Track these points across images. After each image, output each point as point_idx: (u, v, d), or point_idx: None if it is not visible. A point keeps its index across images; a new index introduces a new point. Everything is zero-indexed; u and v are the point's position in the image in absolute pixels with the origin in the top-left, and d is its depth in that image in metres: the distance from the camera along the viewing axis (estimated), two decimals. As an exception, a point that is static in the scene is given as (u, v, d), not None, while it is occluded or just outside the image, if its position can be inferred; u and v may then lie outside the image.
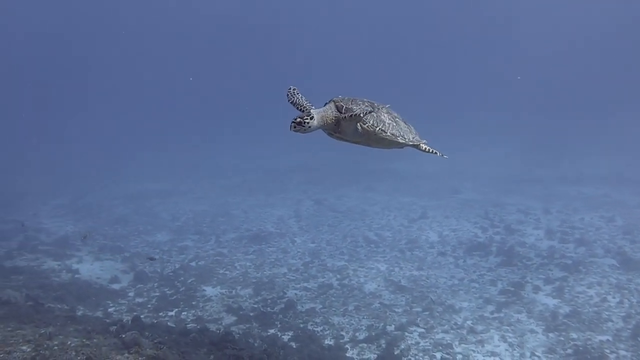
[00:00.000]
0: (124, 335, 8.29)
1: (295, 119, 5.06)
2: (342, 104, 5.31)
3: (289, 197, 28.79)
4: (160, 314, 13.79)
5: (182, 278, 16.69)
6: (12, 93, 72.92)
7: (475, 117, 58.52)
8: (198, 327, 12.40)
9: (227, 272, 17.29)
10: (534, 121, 53.40)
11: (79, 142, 54.27)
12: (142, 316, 13.39)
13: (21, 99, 73.29)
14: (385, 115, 5.55)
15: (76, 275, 16.68)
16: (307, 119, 5.09)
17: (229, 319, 13.41)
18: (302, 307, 14.36)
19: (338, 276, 16.76)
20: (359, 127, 5.33)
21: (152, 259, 17.07)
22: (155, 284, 16.25)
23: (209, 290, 15.54)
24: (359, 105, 5.36)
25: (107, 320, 11.46)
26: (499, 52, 75.63)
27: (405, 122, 5.81)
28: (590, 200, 25.40)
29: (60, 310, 11.70)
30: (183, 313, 13.84)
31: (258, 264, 18.04)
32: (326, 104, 5.42)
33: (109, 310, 13.92)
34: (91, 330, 8.79)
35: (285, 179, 34.09)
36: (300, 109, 5.56)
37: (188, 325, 12.86)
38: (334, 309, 14.28)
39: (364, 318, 13.68)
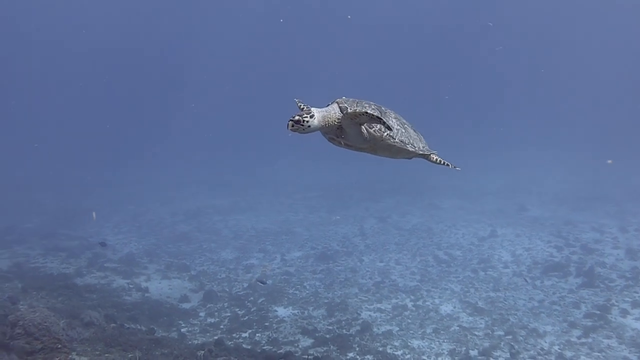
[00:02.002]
0: (214, 361, 7.99)
1: (294, 117, 4.58)
2: (346, 105, 4.76)
3: (351, 215, 28.36)
4: (234, 335, 13.50)
5: (251, 298, 16.44)
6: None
7: (534, 129, 57.40)
8: (277, 350, 12.10)
9: (297, 292, 16.97)
10: (597, 134, 51.80)
11: (132, 159, 55.11)
12: (215, 337, 13.21)
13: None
14: (394, 120, 5.01)
15: (146, 294, 16.61)
16: (306, 117, 4.61)
17: (306, 341, 13.02)
18: (378, 329, 13.91)
19: (412, 297, 16.26)
20: (365, 132, 4.81)
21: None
22: (226, 303, 16.01)
23: (281, 311, 15.23)
24: (365, 108, 4.79)
25: (190, 343, 11.24)
26: (560, 59, 73.43)
27: (414, 130, 5.29)
28: (670, 218, 24.25)
29: (140, 331, 11.52)
30: (257, 334, 13.52)
31: (327, 284, 17.67)
32: (328, 105, 4.91)
33: (182, 330, 13.71)
34: (178, 355, 8.54)
35: (345, 196, 33.67)
36: (301, 108, 5.01)
37: (264, 347, 12.59)
38: (411, 331, 13.79)
39: (444, 342, 13.16)
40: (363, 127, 4.77)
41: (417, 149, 5.12)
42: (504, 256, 19.88)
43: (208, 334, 13.51)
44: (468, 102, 73.78)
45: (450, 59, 76.24)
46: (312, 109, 4.74)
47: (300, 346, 12.72)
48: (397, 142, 4.93)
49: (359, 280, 18.00)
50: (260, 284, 16.92)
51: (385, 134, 4.84)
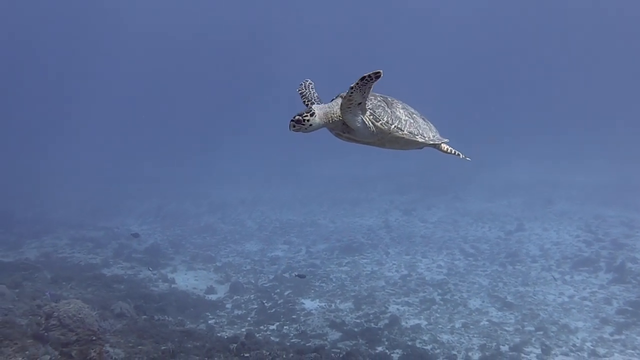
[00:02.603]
0: (247, 355, 7.93)
1: (294, 117, 4.49)
2: None
3: (375, 207, 28.21)
4: (262, 327, 13.46)
5: (278, 290, 16.40)
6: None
7: (562, 126, 56.66)
8: (306, 343, 12.04)
9: (323, 284, 16.89)
10: (625, 129, 51.02)
11: (155, 151, 55.36)
12: (243, 329, 13.20)
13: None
14: (401, 110, 4.81)
15: (173, 285, 16.63)
16: (306, 116, 4.49)
17: (334, 335, 12.93)
18: (407, 323, 13.78)
19: (439, 291, 16.09)
20: (371, 125, 4.63)
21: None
22: (252, 295, 15.99)
23: (308, 304, 15.16)
24: (371, 100, 4.65)
25: (220, 335, 11.22)
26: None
27: (423, 119, 5.06)
28: (701, 213, 23.76)
29: (170, 323, 11.52)
30: (285, 327, 13.46)
31: (354, 276, 17.57)
32: (333, 99, 4.77)
33: (210, 322, 13.71)
34: (211, 348, 8.49)
35: (368, 188, 33.48)
36: (305, 104, 5.00)
37: (292, 340, 12.54)
38: (440, 325, 13.64)
39: (474, 336, 12.99)
40: (368, 120, 4.62)
41: (427, 139, 4.93)
42: (532, 250, 19.63)
43: (236, 326, 13.48)
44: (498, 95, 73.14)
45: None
46: (313, 106, 4.64)
47: (329, 339, 12.64)
48: (405, 134, 4.76)
49: (386, 273, 17.88)
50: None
51: (393, 126, 4.68)
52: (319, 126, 4.62)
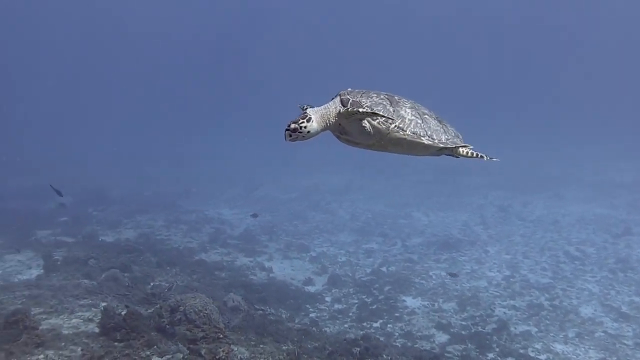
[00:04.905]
0: (374, 362, 7.58)
1: (289, 126, 4.03)
2: (348, 97, 4.16)
3: (468, 201, 27.41)
4: (364, 324, 13.12)
5: (377, 285, 16.00)
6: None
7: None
8: (414, 345, 11.64)
9: (423, 281, 16.38)
10: None
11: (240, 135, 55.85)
12: (346, 325, 12.93)
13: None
14: (408, 110, 4.25)
15: (271, 274, 16.53)
16: (302, 122, 4.04)
17: (441, 337, 12.46)
18: (516, 328, 13.14)
19: (546, 295, 15.31)
20: (367, 125, 4.13)
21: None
22: (351, 289, 15.65)
23: (410, 301, 14.71)
24: (372, 98, 4.18)
25: (325, 330, 10.93)
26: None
27: (439, 121, 4.38)
28: None
29: (283, 319, 11.34)
30: (389, 325, 13.07)
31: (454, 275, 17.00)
32: (333, 98, 4.29)
33: (311, 315, 13.48)
34: (333, 351, 8.17)
35: (460, 181, 32.56)
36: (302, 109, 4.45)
37: (397, 340, 12.16)
38: (552, 334, 12.94)
39: (590, 348, 12.24)
40: (364, 120, 4.13)
41: (435, 142, 4.30)
42: (645, 257, 18.51)
43: (338, 322, 13.20)
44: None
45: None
46: (308, 110, 4.18)
47: (436, 342, 12.18)
48: (408, 135, 4.21)
49: (487, 273, 17.21)
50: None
51: (393, 126, 4.15)
52: (318, 131, 4.22)
